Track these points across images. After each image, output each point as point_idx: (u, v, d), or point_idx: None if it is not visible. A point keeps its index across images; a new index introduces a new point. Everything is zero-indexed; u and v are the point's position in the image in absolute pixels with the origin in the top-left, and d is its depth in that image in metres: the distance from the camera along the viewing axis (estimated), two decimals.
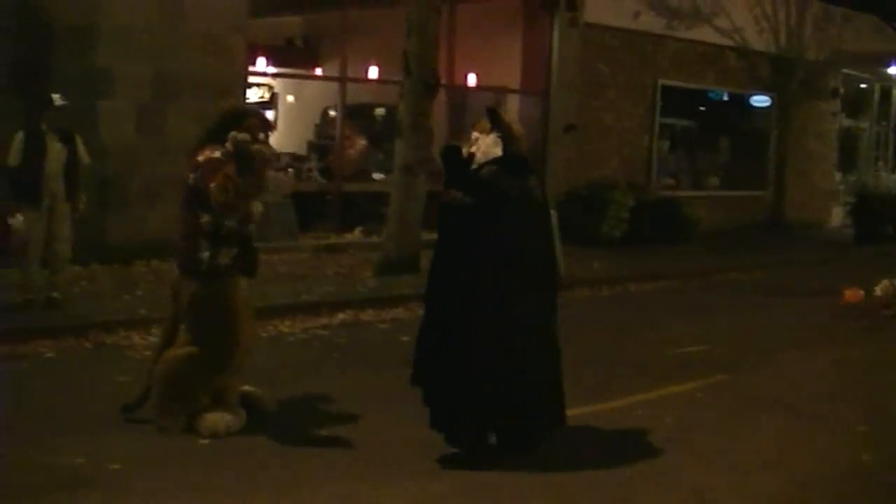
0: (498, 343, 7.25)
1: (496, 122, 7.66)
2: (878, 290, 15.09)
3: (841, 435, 8.77)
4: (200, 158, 7.70)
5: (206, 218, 7.70)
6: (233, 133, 7.67)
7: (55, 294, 11.69)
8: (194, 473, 6.97)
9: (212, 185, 7.50)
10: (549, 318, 7.58)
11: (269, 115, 21.63)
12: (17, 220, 11.16)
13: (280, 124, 22.26)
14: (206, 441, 7.61)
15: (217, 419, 7.77)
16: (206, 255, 7.74)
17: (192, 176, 7.72)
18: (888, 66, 28.22)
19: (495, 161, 7.47)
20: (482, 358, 7.25)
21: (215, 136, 7.85)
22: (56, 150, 11.47)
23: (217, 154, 7.70)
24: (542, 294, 7.50)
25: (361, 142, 19.96)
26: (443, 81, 16.55)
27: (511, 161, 7.53)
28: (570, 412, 7.79)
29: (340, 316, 12.82)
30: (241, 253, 7.91)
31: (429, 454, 7.46)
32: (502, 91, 21.22)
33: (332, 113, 20.52)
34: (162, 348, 8.12)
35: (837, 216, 29.21)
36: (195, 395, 7.78)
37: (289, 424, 8.15)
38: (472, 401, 7.30)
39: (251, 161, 7.68)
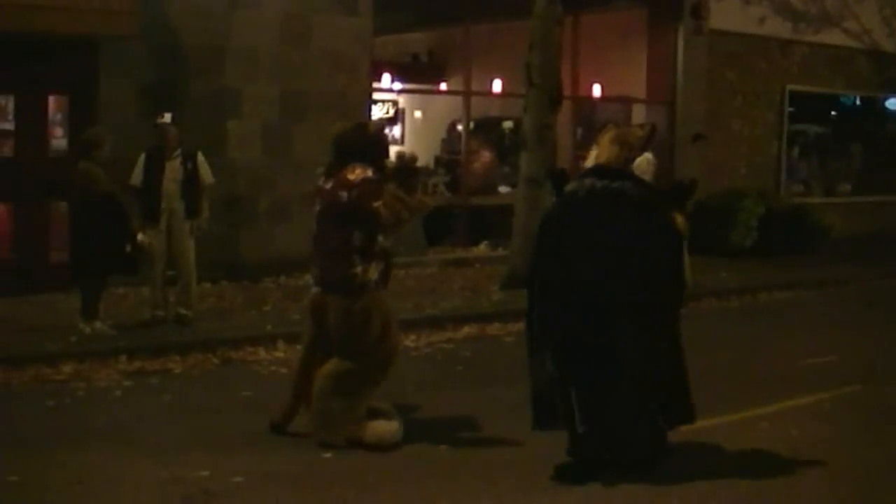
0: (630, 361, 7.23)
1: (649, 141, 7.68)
2: None
3: None
4: (352, 177, 7.79)
5: (358, 235, 7.79)
6: (400, 149, 7.81)
7: (184, 311, 11.96)
8: (316, 487, 7.05)
9: (376, 203, 7.68)
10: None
11: (396, 130, 21.84)
12: (143, 237, 11.44)
13: (407, 140, 22.44)
14: (328, 455, 7.69)
15: (384, 428, 7.92)
16: (359, 270, 7.80)
17: (344, 194, 7.76)
18: None
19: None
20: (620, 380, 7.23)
21: (356, 156, 7.94)
22: (173, 169, 11.76)
23: (370, 173, 7.84)
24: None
25: (487, 155, 20.02)
26: (567, 93, 16.51)
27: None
28: (695, 425, 7.72)
29: (466, 329, 12.86)
30: (385, 268, 8.05)
31: (547, 469, 7.39)
32: (628, 101, 21.10)
33: (458, 127, 20.60)
34: (303, 367, 8.22)
35: None
36: (358, 408, 7.90)
37: (411, 439, 8.16)
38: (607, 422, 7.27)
39: (414, 180, 7.83)
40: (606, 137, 7.58)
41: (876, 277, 18.76)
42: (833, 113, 25.43)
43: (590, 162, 7.62)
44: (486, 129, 21.15)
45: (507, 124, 21.56)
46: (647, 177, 7.46)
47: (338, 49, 15.82)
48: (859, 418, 9.30)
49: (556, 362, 7.40)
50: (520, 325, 12.79)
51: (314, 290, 8.11)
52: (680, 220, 7.55)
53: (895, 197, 26.17)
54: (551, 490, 7.11)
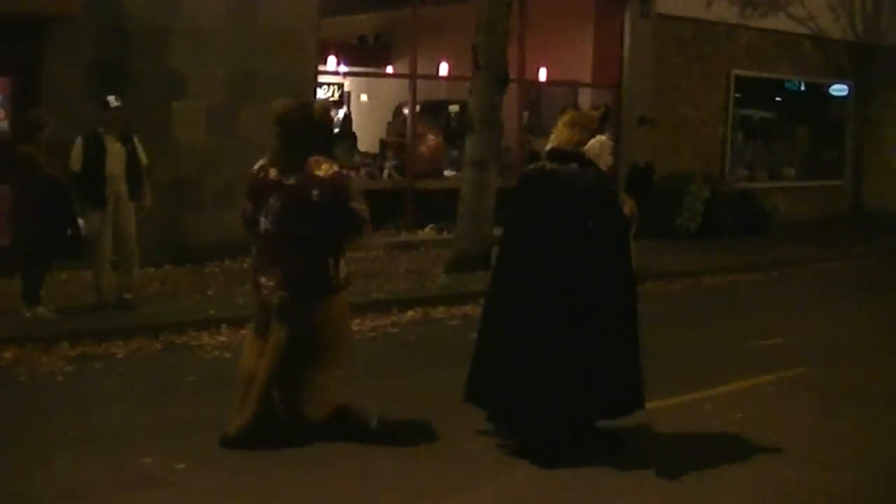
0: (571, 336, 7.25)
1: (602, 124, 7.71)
2: None
3: None
4: (321, 174, 7.31)
5: (333, 234, 7.42)
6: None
7: (127, 295, 11.84)
8: (260, 472, 7.00)
9: (354, 204, 7.33)
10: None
11: (340, 113, 21.72)
12: (86, 222, 11.29)
13: (353, 123, 22.32)
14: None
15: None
16: (334, 270, 7.45)
17: (316, 192, 7.28)
18: None
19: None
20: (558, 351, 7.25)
21: (301, 138, 7.42)
22: (116, 152, 11.62)
23: (335, 167, 7.42)
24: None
25: (433, 138, 19.94)
26: (513, 76, 16.47)
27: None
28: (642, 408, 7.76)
29: (410, 313, 12.80)
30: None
31: (504, 452, 7.47)
32: (574, 84, 21.11)
33: (404, 110, 20.54)
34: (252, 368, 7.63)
35: None
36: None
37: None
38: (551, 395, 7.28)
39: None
40: (562, 120, 7.65)
41: (820, 260, 18.93)
42: (778, 98, 25.58)
43: (548, 145, 7.68)
44: (432, 112, 21.07)
45: (453, 108, 21.50)
46: (602, 159, 7.41)
47: (284, 30, 15.69)
48: (805, 400, 9.37)
49: (485, 335, 7.56)
50: (465, 309, 12.97)
51: (279, 293, 7.41)
52: (629, 204, 7.60)
53: (839, 181, 26.46)
54: (498, 471, 7.13)
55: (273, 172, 7.47)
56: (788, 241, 20.64)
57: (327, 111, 8.21)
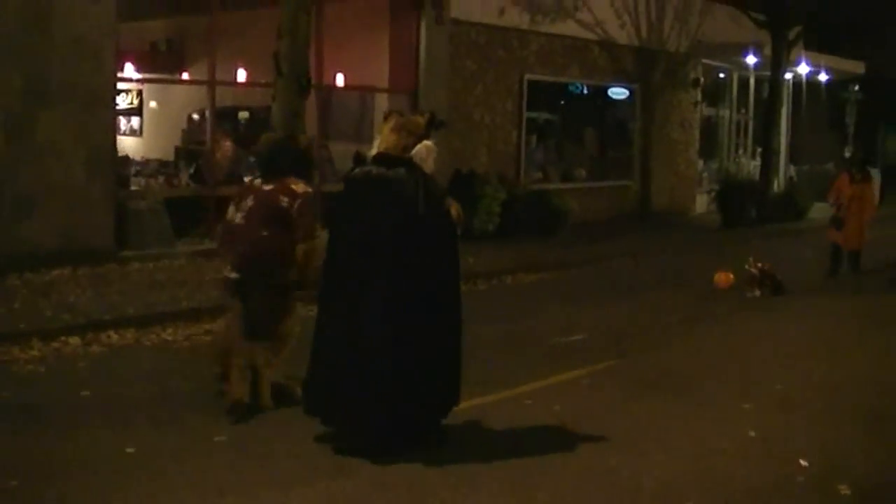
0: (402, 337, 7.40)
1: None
2: (750, 268, 15.68)
3: (728, 413, 9.08)
4: (297, 188, 8.61)
5: (289, 240, 8.55)
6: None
7: None
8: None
9: (304, 219, 8.53)
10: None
11: (136, 121, 21.40)
12: None
13: (146, 130, 22.00)
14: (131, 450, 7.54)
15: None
16: (281, 264, 8.59)
17: (286, 199, 8.55)
18: (745, 55, 28.89)
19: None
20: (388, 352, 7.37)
21: (285, 169, 8.76)
22: None
23: (309, 189, 8.77)
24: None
25: (229, 145, 19.75)
26: (313, 82, 16.47)
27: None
28: (461, 405, 7.94)
29: (222, 321, 12.66)
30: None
31: (330, 453, 7.55)
32: (371, 90, 21.25)
33: (195, 117, 20.37)
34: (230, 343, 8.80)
35: (702, 203, 29.84)
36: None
37: (183, 432, 8.11)
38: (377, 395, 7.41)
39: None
40: (388, 126, 7.76)
41: (614, 258, 19.54)
42: (569, 102, 26.25)
43: (374, 150, 7.75)
44: (226, 118, 20.89)
45: (243, 114, 21.37)
46: (428, 163, 7.56)
47: (80, 36, 15.31)
48: (616, 390, 9.76)
49: (319, 345, 7.67)
50: None
51: (232, 275, 8.66)
52: (456, 207, 7.75)
53: (628, 181, 27.27)
54: (333, 474, 7.17)
55: (258, 182, 8.86)
56: (583, 240, 21.25)
57: (310, 144, 10.42)
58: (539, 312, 13.87)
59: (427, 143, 7.68)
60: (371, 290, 7.38)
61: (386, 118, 7.98)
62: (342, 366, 7.48)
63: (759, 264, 15.82)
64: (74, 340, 11.13)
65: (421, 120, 7.95)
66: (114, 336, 11.48)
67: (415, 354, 7.40)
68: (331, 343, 7.60)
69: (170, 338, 11.71)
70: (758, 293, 15.52)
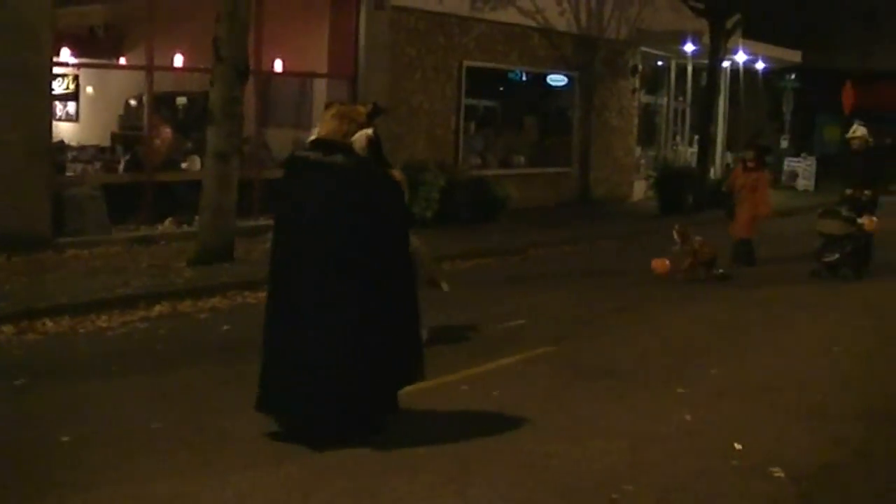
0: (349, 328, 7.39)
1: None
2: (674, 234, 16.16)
3: (663, 398, 9.16)
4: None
5: None
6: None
7: None
8: None
9: None
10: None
11: (72, 106, 21.17)
12: None
13: (83, 116, 21.75)
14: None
15: None
16: None
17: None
18: (683, 43, 29.09)
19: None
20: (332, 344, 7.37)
21: None
22: None
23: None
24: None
25: (168, 131, 19.61)
26: (251, 67, 16.39)
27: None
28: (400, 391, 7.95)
29: (158, 308, 12.60)
30: None
31: (271, 440, 7.52)
32: (310, 76, 21.17)
33: (132, 102, 20.19)
34: None
35: (640, 190, 30.04)
36: None
37: (118, 421, 8.05)
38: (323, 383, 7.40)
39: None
40: (329, 113, 7.79)
41: (552, 245, 19.63)
42: (509, 88, 26.31)
43: (313, 136, 7.78)
44: (164, 104, 20.71)
45: (181, 100, 21.20)
46: (366, 151, 7.60)
47: (18, 19, 15.12)
48: (553, 376, 9.83)
49: (271, 337, 7.58)
50: (213, 301, 12.94)
51: None
52: (401, 177, 7.83)
53: (567, 168, 27.38)
54: (273, 462, 7.15)
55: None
56: (522, 227, 21.31)
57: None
58: (479, 299, 13.88)
59: (367, 131, 7.68)
60: (320, 278, 7.37)
61: (327, 107, 7.98)
62: (293, 356, 7.45)
63: (683, 231, 16.02)
64: (8, 328, 11.03)
65: (363, 109, 7.96)
66: (49, 324, 11.38)
67: (367, 341, 7.39)
68: (281, 333, 7.56)
69: (105, 325, 11.62)
70: (702, 275, 15.70)
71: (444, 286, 11.14)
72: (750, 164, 17.74)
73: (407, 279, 7.82)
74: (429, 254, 11.16)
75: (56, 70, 17.59)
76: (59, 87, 19.81)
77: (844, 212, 16.40)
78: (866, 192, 16.49)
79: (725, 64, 31.89)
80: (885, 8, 42.93)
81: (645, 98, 31.23)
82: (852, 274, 16.41)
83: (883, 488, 7.21)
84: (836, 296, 15.18)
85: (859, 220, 16.24)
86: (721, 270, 16.19)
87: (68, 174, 17.18)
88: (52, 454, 7.22)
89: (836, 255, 16.32)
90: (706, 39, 28.23)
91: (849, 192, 16.72)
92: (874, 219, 16.44)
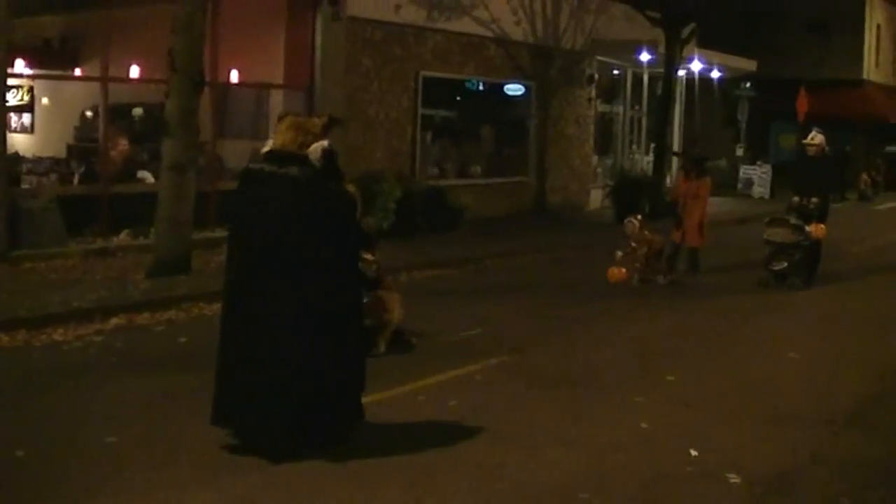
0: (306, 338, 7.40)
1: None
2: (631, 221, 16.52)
3: (620, 406, 9.22)
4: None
5: None
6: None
7: None
8: None
9: None
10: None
11: (27, 118, 21.06)
12: None
13: (38, 127, 21.62)
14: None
15: None
16: None
17: None
18: (639, 53, 29.26)
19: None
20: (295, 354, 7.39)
21: None
22: None
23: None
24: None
25: (124, 142, 19.53)
26: (207, 78, 16.36)
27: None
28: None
29: (114, 321, 12.52)
30: None
31: (228, 453, 7.51)
32: (266, 86, 21.15)
33: (88, 114, 20.10)
34: None
35: (596, 199, 30.17)
36: None
37: (73, 435, 8.00)
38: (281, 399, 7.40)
39: None
40: (283, 124, 7.76)
41: (509, 255, 19.67)
42: (465, 98, 26.34)
43: (267, 147, 7.76)
44: (119, 115, 20.63)
45: (137, 111, 21.11)
46: (322, 164, 7.60)
47: None
48: (510, 385, 9.86)
49: (226, 351, 7.59)
50: (169, 314, 12.89)
51: None
52: (354, 190, 7.86)
53: (524, 178, 27.46)
54: (231, 475, 7.13)
55: None
56: (479, 237, 21.37)
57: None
58: (434, 308, 13.89)
59: (323, 143, 7.67)
60: (274, 291, 7.37)
61: (281, 119, 7.96)
62: (248, 370, 7.45)
63: (639, 219, 16.23)
64: None
65: (319, 121, 7.94)
66: (4, 337, 11.31)
67: (322, 355, 7.41)
68: (235, 346, 7.55)
69: (61, 338, 11.55)
70: (661, 279, 15.87)
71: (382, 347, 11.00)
72: (692, 174, 17.72)
73: (356, 292, 7.85)
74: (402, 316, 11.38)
75: (11, 81, 17.49)
76: (13, 98, 19.69)
77: (793, 219, 16.46)
78: (813, 199, 16.52)
79: (681, 73, 32.11)
80: (834, 20, 43.85)
81: (601, 107, 31.39)
82: (800, 283, 16.45)
83: (836, 494, 7.27)
84: (790, 303, 15.30)
85: (807, 228, 16.31)
86: (672, 276, 16.39)
87: (24, 186, 17.07)
88: (5, 469, 7.17)
89: (785, 264, 16.40)
90: (662, 49, 28.42)
91: (796, 199, 16.74)
92: (822, 226, 16.50)
